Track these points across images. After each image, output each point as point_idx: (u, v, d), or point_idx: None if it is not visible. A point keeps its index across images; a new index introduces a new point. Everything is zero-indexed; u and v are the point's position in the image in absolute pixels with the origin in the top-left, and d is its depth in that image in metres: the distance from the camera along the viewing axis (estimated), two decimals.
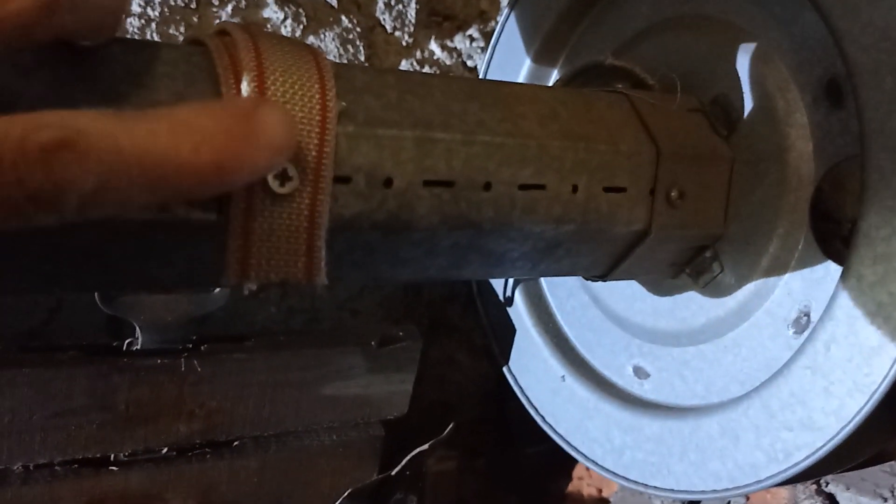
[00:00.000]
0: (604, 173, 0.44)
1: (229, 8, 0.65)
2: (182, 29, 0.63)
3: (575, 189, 0.43)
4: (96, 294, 0.46)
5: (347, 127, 0.36)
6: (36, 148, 0.24)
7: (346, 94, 0.37)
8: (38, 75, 0.30)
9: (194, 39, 0.37)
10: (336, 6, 0.69)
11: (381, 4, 0.71)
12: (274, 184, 0.33)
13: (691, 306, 0.51)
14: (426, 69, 0.74)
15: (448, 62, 0.75)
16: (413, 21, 0.73)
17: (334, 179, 0.36)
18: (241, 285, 0.34)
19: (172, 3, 0.63)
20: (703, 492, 0.47)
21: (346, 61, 0.70)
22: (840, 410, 0.41)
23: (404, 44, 0.73)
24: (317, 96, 0.35)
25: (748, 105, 0.47)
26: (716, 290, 0.49)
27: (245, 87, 0.33)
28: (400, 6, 0.72)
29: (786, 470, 0.43)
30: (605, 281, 0.50)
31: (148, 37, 0.62)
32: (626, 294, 0.55)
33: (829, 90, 0.44)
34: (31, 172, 0.24)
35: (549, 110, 0.43)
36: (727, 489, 0.46)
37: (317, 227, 0.35)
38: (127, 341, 0.48)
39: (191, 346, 0.50)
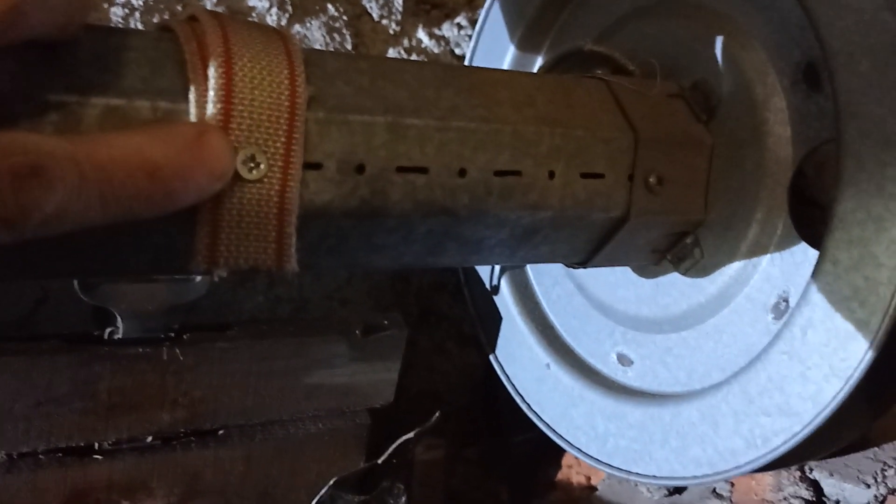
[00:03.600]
0: (581, 159, 0.44)
1: None
2: (166, 17, 0.63)
3: (552, 175, 0.43)
4: (76, 283, 0.46)
5: (318, 113, 0.36)
6: (7, 173, 0.25)
7: (317, 79, 0.37)
8: (4, 64, 0.30)
9: (164, 26, 0.37)
10: None
11: None
12: (242, 170, 0.33)
13: (673, 293, 0.51)
14: (413, 57, 0.74)
15: (436, 50, 0.75)
16: (400, 9, 0.73)
17: (305, 166, 0.36)
18: (210, 272, 0.34)
19: None
20: (683, 478, 0.47)
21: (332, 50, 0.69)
22: (817, 395, 0.40)
23: (392, 32, 0.73)
24: (286, 82, 0.35)
25: (727, 90, 0.47)
26: (697, 275, 0.49)
27: (212, 73, 0.33)
28: None
29: (764, 455, 0.43)
30: (585, 268, 0.50)
31: (132, 26, 0.62)
32: (609, 282, 0.55)
33: (807, 74, 0.44)
34: (1, 197, 0.25)
35: (525, 96, 0.43)
36: (707, 475, 0.46)
37: (287, 214, 0.35)
38: (108, 330, 0.48)
39: (173, 334, 0.50)
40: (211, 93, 0.33)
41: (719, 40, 0.47)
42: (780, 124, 0.45)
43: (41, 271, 0.35)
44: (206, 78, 0.33)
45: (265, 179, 0.34)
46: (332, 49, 0.69)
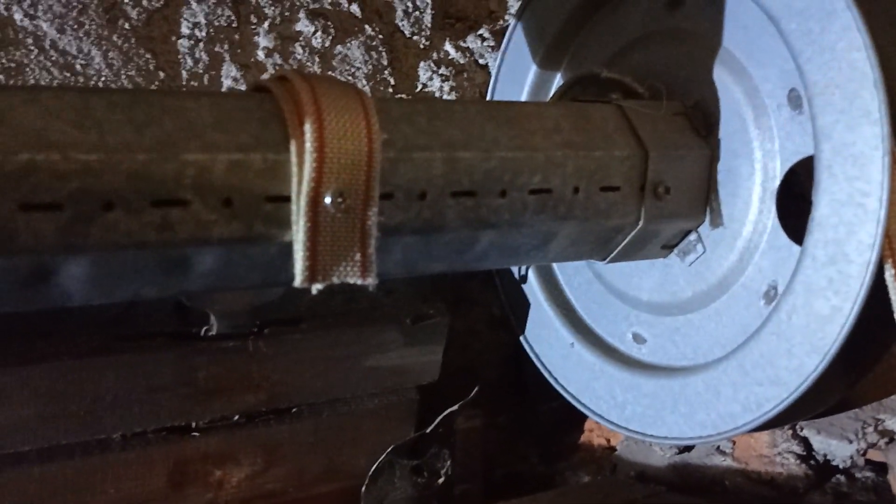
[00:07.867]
0: (600, 175, 0.52)
1: (266, 24, 0.73)
2: (226, 46, 0.71)
3: (576, 190, 0.51)
4: None
5: (389, 153, 0.45)
6: None
7: (386, 124, 0.45)
8: (148, 131, 0.39)
9: (259, 86, 0.45)
10: (360, 17, 0.77)
11: (399, 12, 0.79)
12: (333, 205, 0.42)
13: (680, 282, 0.59)
14: (442, 69, 0.81)
15: (462, 61, 0.82)
16: (429, 25, 0.80)
17: (380, 197, 0.44)
18: (310, 286, 0.43)
19: (216, 24, 0.71)
20: (691, 438, 0.56)
21: (370, 66, 0.77)
22: (800, 368, 0.49)
23: (422, 46, 0.80)
24: (364, 131, 0.43)
25: (724, 110, 0.55)
26: (700, 267, 0.58)
27: (307, 128, 0.42)
28: (417, 13, 0.79)
29: (758, 418, 0.51)
30: (605, 263, 0.58)
31: (196, 55, 0.70)
32: (625, 272, 0.63)
33: (791, 98, 0.51)
34: None
35: (553, 124, 0.51)
36: (711, 435, 0.54)
37: (368, 237, 0.43)
38: (204, 328, 0.57)
39: (256, 329, 0.59)
40: (307, 145, 0.41)
41: (717, 66, 0.55)
42: (769, 140, 0.53)
43: (179, 290, 0.44)
44: (302, 133, 0.41)
45: (350, 211, 0.43)
46: (371, 66, 0.77)
